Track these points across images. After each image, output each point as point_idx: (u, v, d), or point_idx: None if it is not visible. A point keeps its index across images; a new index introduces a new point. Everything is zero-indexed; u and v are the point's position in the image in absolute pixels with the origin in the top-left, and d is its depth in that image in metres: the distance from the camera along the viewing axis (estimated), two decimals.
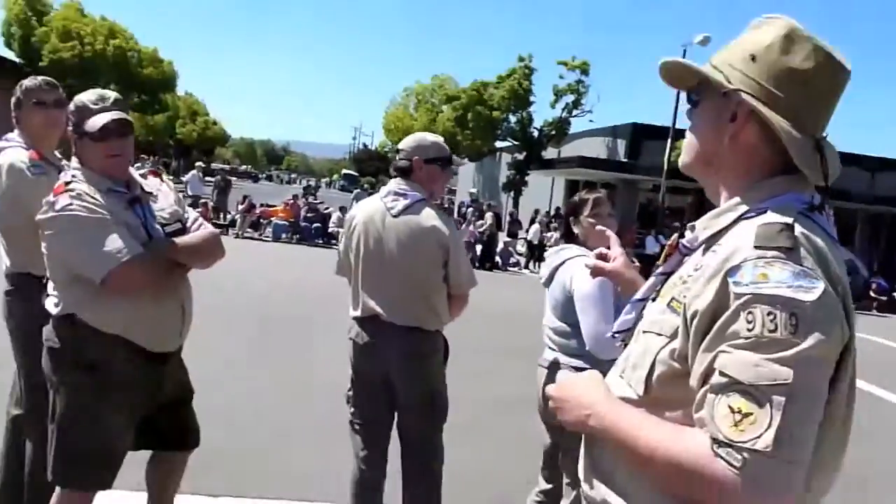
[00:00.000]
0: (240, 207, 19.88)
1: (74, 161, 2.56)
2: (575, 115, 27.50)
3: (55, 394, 2.51)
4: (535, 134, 28.26)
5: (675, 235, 1.55)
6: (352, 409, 3.19)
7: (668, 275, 1.42)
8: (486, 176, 41.71)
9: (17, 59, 32.16)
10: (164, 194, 2.70)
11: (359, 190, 28.81)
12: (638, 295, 1.52)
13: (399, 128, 39.49)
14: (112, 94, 2.55)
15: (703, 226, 1.36)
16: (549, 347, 3.08)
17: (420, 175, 3.13)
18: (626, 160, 24.93)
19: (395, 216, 3.05)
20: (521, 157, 28.69)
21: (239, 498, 3.77)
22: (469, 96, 28.49)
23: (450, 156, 3.29)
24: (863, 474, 4.85)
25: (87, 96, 2.52)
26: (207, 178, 28.34)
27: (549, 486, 3.19)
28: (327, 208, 22.03)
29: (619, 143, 26.69)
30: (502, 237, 22.36)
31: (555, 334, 3.04)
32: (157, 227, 2.56)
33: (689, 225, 1.44)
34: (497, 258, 21.11)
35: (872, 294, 22.36)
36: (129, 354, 2.46)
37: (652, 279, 1.49)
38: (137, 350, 2.48)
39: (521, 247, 23.58)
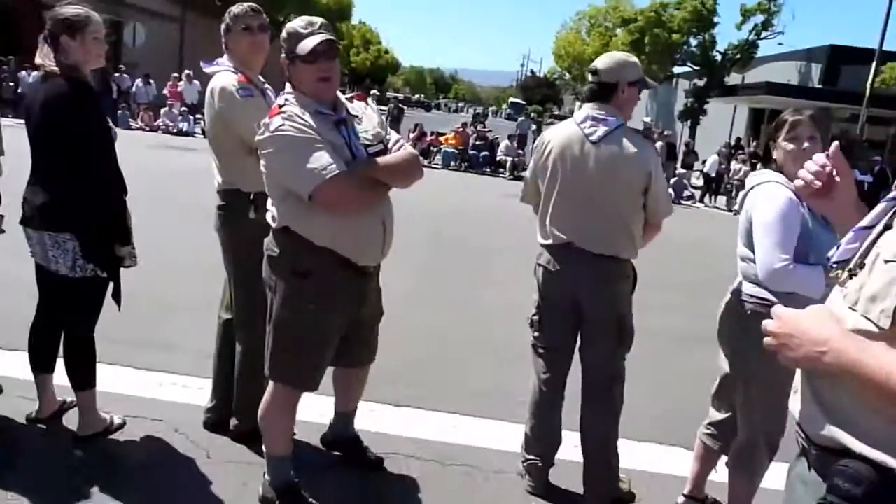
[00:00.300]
0: (411, 135, 20.33)
1: (288, 86, 2.70)
2: (764, 38, 25.28)
3: (272, 297, 2.74)
4: (718, 58, 26.31)
5: None
6: (536, 334, 3.24)
7: None
8: (661, 103, 39.73)
9: None
10: (367, 117, 2.80)
11: (523, 118, 28.49)
12: (864, 222, 1.40)
13: (570, 53, 38.30)
14: (319, 20, 2.65)
15: None
16: (739, 274, 2.95)
17: (620, 99, 3.03)
18: (820, 86, 22.75)
19: (594, 142, 2.98)
20: (700, 83, 26.92)
21: (418, 409, 3.96)
22: (647, 18, 26.92)
23: (645, 77, 3.15)
24: None
25: (297, 23, 2.64)
26: (381, 107, 29.21)
27: (722, 416, 3.09)
28: (495, 137, 22.00)
29: (814, 67, 24.37)
30: (675, 168, 21.36)
31: (740, 261, 2.91)
32: (361, 147, 2.66)
33: None
34: (670, 190, 20.22)
35: None
36: (338, 265, 2.64)
37: (882, 205, 1.37)
38: (345, 262, 2.65)
39: (696, 179, 22.44)
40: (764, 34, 25.23)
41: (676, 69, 30.41)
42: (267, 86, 3.35)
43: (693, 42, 26.53)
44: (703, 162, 22.49)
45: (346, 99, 2.81)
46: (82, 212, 2.94)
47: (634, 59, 3.19)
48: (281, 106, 2.62)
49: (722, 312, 2.99)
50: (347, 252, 2.64)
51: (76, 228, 2.95)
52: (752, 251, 2.78)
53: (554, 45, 41.16)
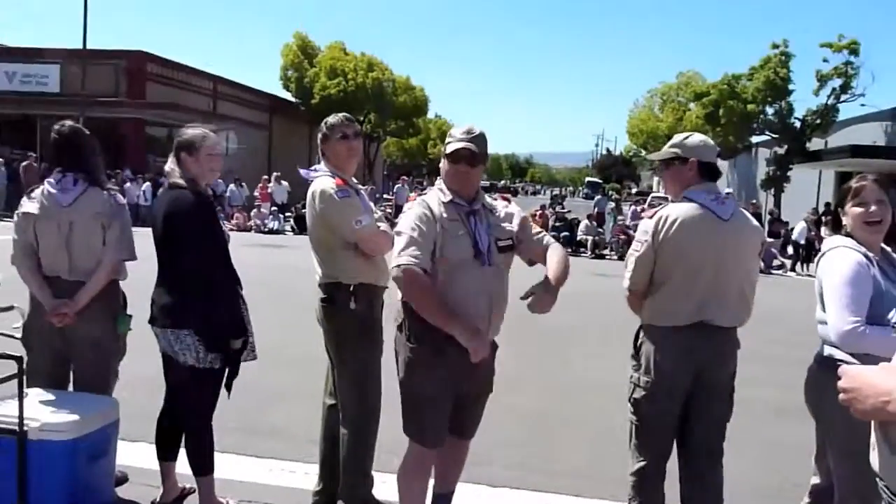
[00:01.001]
0: None
1: (439, 179, 3.14)
2: (843, 101, 24.87)
3: (397, 359, 3.09)
4: (797, 125, 25.95)
5: None
6: (644, 413, 3.17)
7: None
8: (741, 174, 39.17)
9: (294, 98, 36.43)
10: (507, 213, 3.16)
11: (600, 196, 28.56)
12: None
13: (644, 130, 38.60)
14: (478, 130, 3.05)
15: None
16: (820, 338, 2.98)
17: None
18: None
19: (725, 220, 3.06)
20: (781, 150, 26.52)
21: (516, 490, 4.01)
22: (719, 91, 26.94)
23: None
24: None
25: (456, 129, 3.10)
26: None
27: (822, 484, 3.05)
28: (574, 217, 22.16)
29: None
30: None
31: (819, 325, 2.94)
32: (487, 237, 3.00)
33: None
34: (760, 262, 19.74)
35: None
36: (445, 336, 2.87)
37: None
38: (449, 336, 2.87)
39: (787, 247, 21.85)
40: (843, 97, 24.83)
41: (755, 138, 30.09)
42: (360, 186, 3.66)
43: (769, 111, 26.30)
44: (791, 230, 21.94)
45: (492, 197, 3.30)
46: (201, 308, 3.25)
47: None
48: (422, 191, 3.09)
49: (807, 374, 3.02)
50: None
51: (194, 324, 3.26)
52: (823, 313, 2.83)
53: (627, 122, 41.51)
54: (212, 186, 3.76)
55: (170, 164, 3.44)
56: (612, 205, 23.85)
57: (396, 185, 28.71)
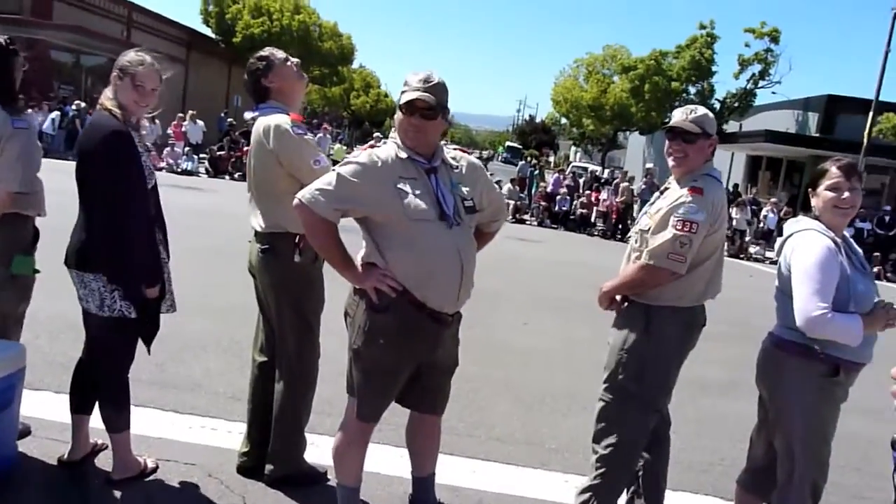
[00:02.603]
0: None
1: (393, 130, 2.82)
2: (761, 87, 25.70)
3: (350, 324, 2.82)
4: (717, 106, 26.67)
5: None
6: (654, 393, 3.17)
7: None
8: (658, 150, 40.16)
9: (214, 35, 34.75)
10: (470, 171, 2.91)
11: (524, 162, 28.67)
12: None
13: (568, 99, 38.72)
14: (436, 78, 2.72)
15: None
16: (776, 319, 2.97)
17: None
18: (818, 135, 23.04)
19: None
20: None
21: (449, 455, 3.90)
22: (646, 66, 27.32)
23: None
24: None
25: (413, 75, 2.74)
26: None
27: (761, 463, 3.09)
28: (498, 180, 22.13)
29: (811, 116, 24.69)
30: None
31: (778, 307, 2.94)
32: (451, 196, 2.75)
33: None
34: None
35: None
36: (414, 306, 2.70)
37: None
38: (420, 304, 2.70)
39: None
40: (761, 83, 25.64)
41: None
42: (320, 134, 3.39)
43: (692, 90, 26.91)
44: None
45: (454, 152, 2.95)
46: (109, 253, 2.93)
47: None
48: (373, 145, 2.79)
49: (760, 356, 2.99)
50: (420, 294, 2.68)
51: (101, 268, 2.95)
52: (790, 297, 2.79)
53: (552, 91, 41.65)
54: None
55: (106, 91, 3.08)
56: (535, 171, 23.98)
57: (318, 135, 27.79)
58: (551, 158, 52.41)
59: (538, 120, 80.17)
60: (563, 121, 48.17)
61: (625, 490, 3.26)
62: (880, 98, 20.44)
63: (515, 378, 5.46)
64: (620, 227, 21.01)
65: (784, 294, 2.88)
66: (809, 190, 2.97)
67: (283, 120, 3.17)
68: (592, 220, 21.08)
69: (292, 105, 3.32)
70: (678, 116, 3.13)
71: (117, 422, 3.12)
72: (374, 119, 65.17)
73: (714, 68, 26.43)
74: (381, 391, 2.81)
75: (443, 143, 2.91)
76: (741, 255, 19.77)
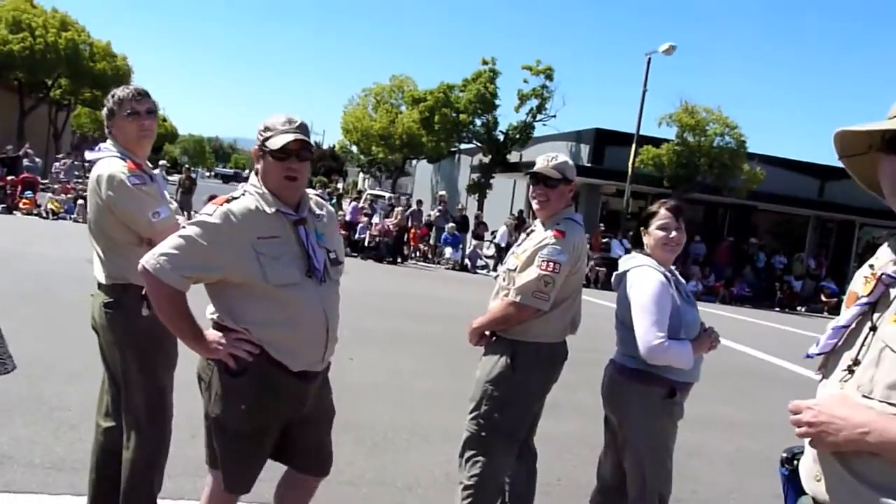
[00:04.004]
0: None
1: (253, 177, 2.60)
2: (539, 120, 27.74)
3: (205, 390, 2.59)
4: (501, 138, 28.37)
5: (868, 267, 1.68)
6: (520, 424, 3.38)
7: (872, 304, 1.57)
8: (445, 177, 41.79)
9: None
10: (330, 220, 2.76)
11: (321, 190, 28.51)
12: (841, 322, 1.63)
13: (358, 128, 39.17)
14: (299, 119, 2.56)
15: None
16: (616, 348, 3.27)
17: None
18: (589, 164, 25.30)
19: None
20: (486, 160, 28.80)
21: None
22: (435, 98, 28.44)
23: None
24: None
25: (276, 118, 2.55)
26: (171, 179, 27.97)
27: (611, 483, 3.33)
28: None
29: (583, 147, 27.02)
30: (470, 240, 22.52)
31: (619, 338, 3.24)
32: (321, 251, 2.59)
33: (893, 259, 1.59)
34: (466, 261, 21.29)
35: (823, 298, 23.27)
36: (273, 366, 2.53)
37: (855, 309, 1.61)
38: (279, 363, 2.54)
39: (487, 249, 23.77)
40: (539, 117, 27.66)
41: (463, 146, 32.32)
42: (156, 171, 3.18)
43: (478, 122, 28.37)
44: (493, 233, 23.93)
45: (318, 198, 2.77)
46: None
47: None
48: (233, 198, 2.52)
49: (605, 384, 3.27)
50: (283, 357, 2.50)
51: None
52: (630, 327, 3.08)
53: (342, 119, 41.89)
54: None
55: None
56: (333, 200, 23.91)
57: (155, 171, 25.46)
58: (340, 185, 52.49)
59: (326, 146, 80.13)
60: (354, 148, 48.53)
61: None
62: (641, 132, 22.95)
63: (352, 417, 5.39)
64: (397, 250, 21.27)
65: (624, 325, 3.17)
66: (641, 229, 3.31)
67: (117, 168, 2.93)
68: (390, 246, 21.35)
69: (133, 151, 3.08)
70: (540, 163, 3.37)
71: None
72: (154, 144, 61.35)
73: (497, 102, 28.16)
74: (249, 460, 2.60)
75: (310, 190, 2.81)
76: None
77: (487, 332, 3.37)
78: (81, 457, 3.96)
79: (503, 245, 22.09)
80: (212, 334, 2.50)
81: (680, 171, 22.67)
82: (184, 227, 2.47)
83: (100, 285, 3.03)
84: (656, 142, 23.10)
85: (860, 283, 1.67)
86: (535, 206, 3.41)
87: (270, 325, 2.47)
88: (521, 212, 27.19)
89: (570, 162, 3.44)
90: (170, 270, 2.38)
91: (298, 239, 2.54)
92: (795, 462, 1.76)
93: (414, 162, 43.48)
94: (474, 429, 3.28)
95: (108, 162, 2.98)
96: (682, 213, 3.26)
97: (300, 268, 2.50)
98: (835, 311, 22.46)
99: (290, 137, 2.47)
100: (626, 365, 3.16)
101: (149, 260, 2.40)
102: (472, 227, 22.92)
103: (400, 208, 21.69)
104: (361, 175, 61.83)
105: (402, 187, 50.64)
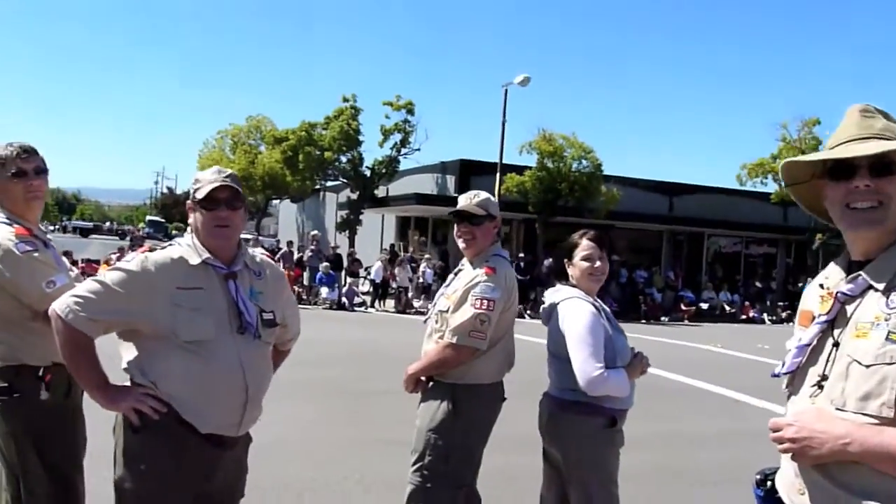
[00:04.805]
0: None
1: (188, 231, 2.50)
2: (404, 154, 27.92)
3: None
4: (368, 173, 28.30)
5: (819, 287, 1.77)
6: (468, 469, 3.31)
7: (831, 322, 1.66)
8: (311, 216, 41.19)
9: None
10: (274, 282, 2.64)
11: (175, 235, 27.30)
12: (804, 341, 1.71)
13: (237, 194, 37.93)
14: (229, 171, 2.50)
15: (873, 275, 1.60)
16: (551, 381, 3.25)
17: None
18: (456, 195, 25.72)
19: None
20: (353, 196, 28.60)
21: None
22: (298, 137, 28.00)
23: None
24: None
25: (206, 172, 2.49)
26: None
27: None
28: None
29: (449, 178, 27.47)
30: (345, 277, 22.19)
31: (554, 370, 3.21)
32: (252, 307, 2.45)
33: (849, 277, 1.67)
34: (343, 299, 20.95)
35: (683, 307, 24.72)
36: (179, 424, 2.40)
37: (815, 327, 1.69)
38: (186, 423, 2.40)
39: (362, 286, 23.53)
40: (403, 151, 27.87)
41: (329, 183, 31.99)
42: (48, 236, 2.85)
43: (343, 158, 28.18)
44: (367, 269, 23.73)
45: (261, 253, 2.73)
46: None
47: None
48: (153, 250, 2.43)
49: (544, 418, 3.23)
50: (191, 417, 2.34)
51: None
52: (565, 360, 3.08)
53: (198, 162, 40.43)
54: None
55: None
56: None
57: None
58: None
59: (179, 192, 77.08)
60: None
61: None
62: (504, 161, 23.65)
63: (263, 479, 5.07)
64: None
65: (557, 358, 3.16)
66: (566, 260, 3.32)
67: (4, 235, 2.63)
68: None
69: (21, 215, 2.75)
70: (463, 201, 3.31)
71: None
72: None
73: (361, 138, 28.11)
74: None
75: (253, 248, 2.73)
76: (408, 311, 21.06)
77: (423, 378, 3.25)
78: None
79: (378, 281, 21.98)
80: (117, 386, 2.36)
81: (543, 196, 23.49)
82: (101, 274, 2.37)
83: None
84: (519, 169, 23.88)
85: (816, 302, 1.76)
86: (461, 244, 3.35)
87: (178, 381, 2.33)
88: (392, 245, 27.26)
89: (493, 199, 3.42)
90: (81, 315, 2.29)
91: (227, 293, 2.42)
92: (769, 483, 1.83)
93: (276, 202, 42.60)
94: (418, 481, 3.15)
95: None
96: (604, 242, 3.31)
97: (221, 323, 2.38)
98: (694, 318, 23.94)
99: (217, 184, 2.41)
100: (563, 398, 3.14)
101: (59, 303, 2.32)
102: (346, 264, 22.63)
103: (289, 252, 21.35)
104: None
105: (265, 229, 49.48)
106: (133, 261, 2.38)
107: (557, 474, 3.23)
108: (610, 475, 3.14)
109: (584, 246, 3.24)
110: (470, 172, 26.18)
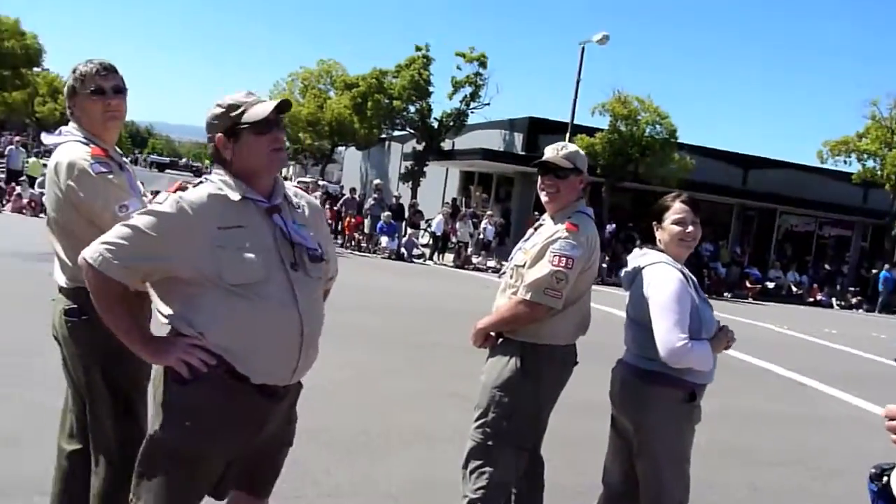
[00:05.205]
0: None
1: (215, 167, 2.24)
2: (473, 108, 27.52)
3: (153, 399, 2.26)
4: (435, 125, 28.00)
5: None
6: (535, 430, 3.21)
7: None
8: (374, 164, 41.29)
9: None
10: (312, 214, 2.42)
11: None
12: None
13: (285, 113, 38.18)
14: (257, 92, 2.27)
15: None
16: (628, 349, 3.08)
17: None
18: (523, 153, 25.31)
19: None
20: (419, 147, 28.41)
21: None
22: (368, 84, 27.86)
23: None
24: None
25: (233, 96, 2.23)
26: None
27: (621, 489, 3.13)
28: None
29: (516, 136, 27.03)
30: (405, 228, 22.20)
31: (632, 338, 3.04)
32: (307, 236, 2.27)
33: None
34: (402, 250, 20.97)
35: (748, 284, 24.02)
36: (231, 377, 2.19)
37: None
38: (239, 374, 2.21)
39: (422, 238, 23.52)
40: (473, 104, 27.45)
41: (395, 133, 31.87)
42: (125, 159, 2.79)
43: (412, 108, 27.95)
44: (429, 222, 23.69)
45: (298, 187, 2.45)
46: None
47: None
48: (195, 185, 2.22)
49: (617, 386, 3.07)
50: (244, 366, 2.14)
51: None
52: (646, 328, 2.89)
53: None
54: None
55: None
56: None
57: (8, 147, 23.95)
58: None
59: None
60: None
61: None
62: (575, 121, 23.07)
63: (320, 422, 5.06)
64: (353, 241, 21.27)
65: (638, 325, 2.98)
66: (654, 223, 3.11)
67: (79, 154, 2.56)
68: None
69: (99, 135, 2.69)
70: (549, 152, 3.13)
71: None
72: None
73: (431, 89, 27.76)
74: (184, 491, 2.17)
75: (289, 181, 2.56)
76: (466, 266, 21.00)
77: (493, 334, 3.13)
78: (30, 478, 3.56)
79: (439, 234, 21.91)
80: (161, 338, 2.19)
81: (613, 159, 22.90)
82: (131, 217, 2.14)
83: (60, 289, 2.64)
84: (590, 131, 23.27)
85: None
86: (543, 198, 3.18)
87: (228, 329, 2.12)
88: (454, 199, 27.10)
89: (582, 152, 3.23)
90: (114, 263, 2.08)
91: (272, 229, 2.20)
92: (886, 478, 1.74)
93: (342, 149, 42.76)
94: (480, 438, 3.04)
95: (68, 147, 2.60)
96: (698, 206, 3.09)
97: (270, 262, 2.16)
98: (758, 297, 23.27)
99: (272, 105, 2.18)
100: (641, 367, 2.97)
101: (89, 251, 2.11)
102: (407, 215, 22.59)
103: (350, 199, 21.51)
104: (288, 162, 60.75)
105: (329, 175, 49.87)
106: (166, 201, 2.13)
107: (625, 445, 3.09)
108: (683, 451, 2.98)
109: (677, 209, 3.03)
110: (538, 131, 25.70)
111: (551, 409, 3.14)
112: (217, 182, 2.19)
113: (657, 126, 23.26)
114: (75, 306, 2.58)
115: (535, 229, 3.22)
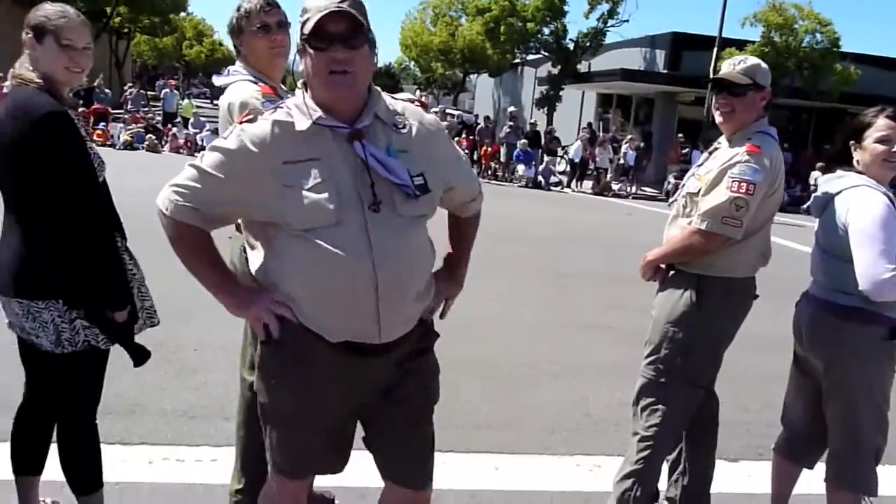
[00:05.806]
0: None
1: (299, 86, 2.00)
2: (611, 26, 26.27)
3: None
4: (571, 46, 27.01)
5: None
6: (700, 369, 2.95)
7: None
8: (507, 91, 40.59)
9: None
10: (426, 134, 2.03)
11: None
12: None
13: (417, 43, 38.13)
14: None
15: None
16: (817, 282, 2.81)
17: None
18: (665, 71, 24.00)
19: None
20: (555, 70, 27.56)
21: (448, 453, 3.52)
22: (500, 8, 27.18)
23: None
24: None
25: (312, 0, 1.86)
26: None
27: (805, 430, 2.93)
28: None
29: (658, 53, 25.57)
30: (542, 156, 21.80)
31: (824, 270, 2.76)
32: (397, 166, 1.90)
33: None
34: (540, 177, 20.68)
35: None
36: (309, 335, 2.00)
37: None
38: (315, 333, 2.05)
39: (559, 165, 23.05)
40: (610, 22, 26.22)
41: (530, 57, 31.09)
42: (290, 95, 2.79)
43: (546, 31, 27.08)
44: (566, 148, 23.15)
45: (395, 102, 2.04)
46: (65, 272, 2.27)
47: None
48: (268, 112, 1.95)
49: (808, 322, 2.82)
50: (309, 320, 1.92)
51: (57, 293, 2.28)
52: (843, 260, 2.61)
53: (400, 35, 40.84)
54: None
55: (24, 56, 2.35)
56: None
57: (164, 90, 25.46)
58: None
59: (381, 64, 79.07)
60: (412, 65, 47.54)
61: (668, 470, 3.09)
62: (723, 34, 21.51)
63: (470, 353, 5.07)
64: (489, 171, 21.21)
65: (832, 255, 2.71)
66: (852, 143, 2.79)
67: (249, 94, 2.53)
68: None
69: (265, 73, 2.69)
70: (725, 68, 2.87)
71: (88, 482, 2.49)
72: (210, 71, 61.22)
73: (566, 8, 26.71)
74: (290, 445, 2.05)
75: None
76: (606, 193, 20.45)
77: (663, 266, 2.95)
78: (208, 403, 3.81)
79: (577, 160, 21.39)
80: (247, 289, 2.03)
81: None
82: (199, 155, 1.97)
83: (238, 227, 2.71)
84: (739, 44, 21.59)
85: None
86: (717, 118, 2.92)
87: (297, 281, 1.91)
88: (590, 124, 26.25)
89: (763, 65, 2.91)
90: (183, 206, 1.90)
91: (353, 159, 1.87)
92: None
93: (473, 77, 42.29)
94: (652, 374, 2.92)
95: (240, 87, 2.61)
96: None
97: (346, 201, 1.85)
98: None
99: (324, 13, 1.78)
100: (834, 301, 2.70)
101: (160, 197, 1.94)
102: (543, 142, 22.15)
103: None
104: (419, 93, 60.99)
105: (462, 104, 49.71)
106: (230, 136, 1.90)
107: (811, 384, 2.87)
108: (883, 391, 2.72)
109: (881, 125, 2.69)
110: (682, 47, 24.19)
111: (728, 345, 2.95)
112: (290, 107, 1.91)
113: (817, 35, 21.30)
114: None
115: (710, 153, 2.97)
